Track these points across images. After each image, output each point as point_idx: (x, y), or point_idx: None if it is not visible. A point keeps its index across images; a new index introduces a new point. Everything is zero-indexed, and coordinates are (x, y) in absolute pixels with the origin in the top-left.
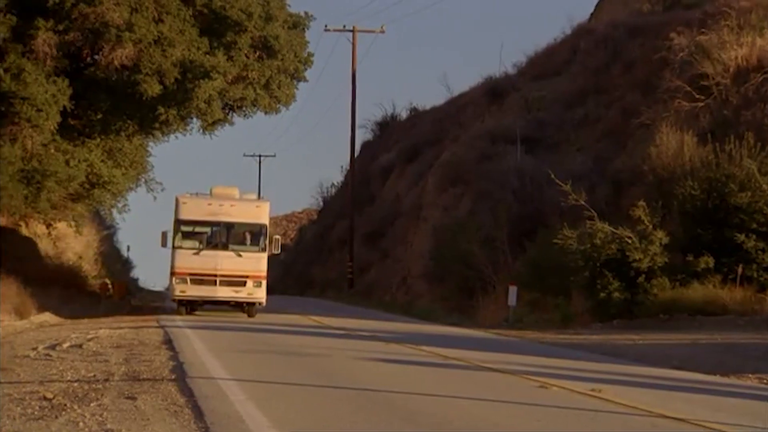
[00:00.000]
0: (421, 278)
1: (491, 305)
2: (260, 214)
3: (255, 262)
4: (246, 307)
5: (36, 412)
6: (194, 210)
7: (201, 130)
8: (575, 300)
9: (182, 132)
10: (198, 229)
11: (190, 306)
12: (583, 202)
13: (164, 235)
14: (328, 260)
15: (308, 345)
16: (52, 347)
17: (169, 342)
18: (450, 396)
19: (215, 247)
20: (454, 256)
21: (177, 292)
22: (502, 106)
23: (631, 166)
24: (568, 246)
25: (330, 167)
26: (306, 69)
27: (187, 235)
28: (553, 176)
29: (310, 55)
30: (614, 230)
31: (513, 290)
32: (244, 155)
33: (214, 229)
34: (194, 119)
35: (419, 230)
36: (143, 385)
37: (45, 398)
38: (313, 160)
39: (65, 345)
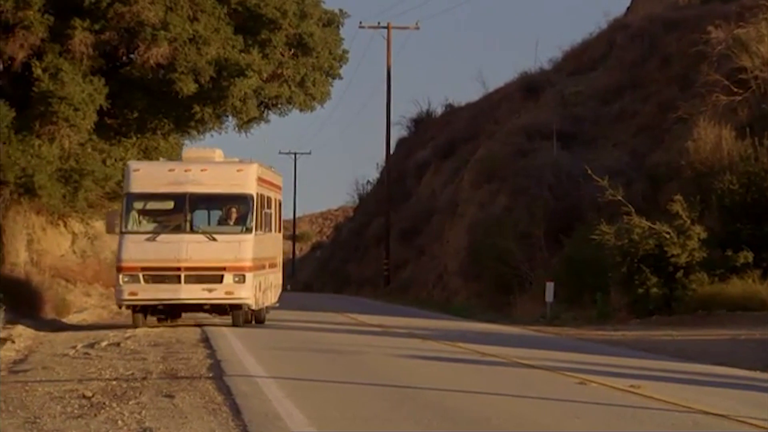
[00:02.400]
0: (458, 275)
1: (528, 302)
2: (243, 180)
3: (235, 248)
4: (230, 312)
5: (76, 411)
6: (150, 180)
7: (236, 128)
8: (613, 296)
9: (218, 130)
10: (156, 205)
11: (150, 314)
12: (620, 198)
13: (110, 216)
14: (365, 257)
15: (345, 342)
16: (91, 346)
17: (206, 340)
18: (488, 393)
19: (178, 229)
20: (490, 253)
21: (125, 296)
22: (537, 102)
23: (669, 160)
24: (606, 242)
25: (366, 164)
26: (341, 66)
27: (141, 215)
28: (589, 172)
29: (345, 52)
30: (652, 225)
31: (550, 286)
32: (280, 153)
33: (178, 204)
34: (230, 117)
35: (455, 227)
36: (181, 383)
37: (84, 396)
38: (349, 157)
39: (103, 343)
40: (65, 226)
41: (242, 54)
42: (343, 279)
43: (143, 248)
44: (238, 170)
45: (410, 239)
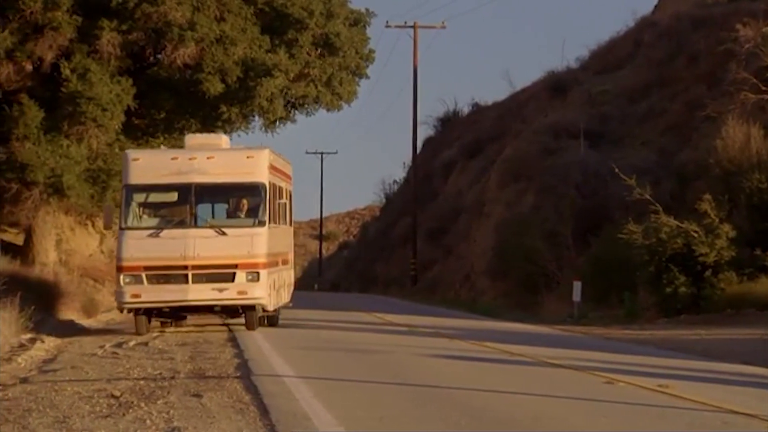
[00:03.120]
0: (485, 275)
1: (555, 301)
2: (254, 168)
3: (248, 243)
4: (243, 314)
5: (104, 410)
6: (151, 170)
7: (263, 128)
8: (641, 295)
9: (245, 130)
10: (158, 197)
11: (154, 317)
12: (647, 197)
13: (107, 210)
14: (391, 257)
15: (372, 342)
16: (119, 345)
17: (233, 340)
18: (515, 393)
19: (183, 223)
20: (517, 252)
21: (126, 298)
22: (564, 101)
23: (697, 159)
24: (633, 241)
25: (392, 164)
26: (367, 66)
27: (142, 209)
28: (617, 170)
29: (372, 51)
30: (680, 224)
31: (577, 286)
32: (306, 153)
33: (183, 195)
34: (256, 117)
35: (482, 226)
36: (209, 383)
37: (113, 396)
38: (376, 156)
39: (131, 343)
40: (93, 226)
41: (269, 54)
42: (370, 278)
43: (145, 245)
44: (248, 157)
45: (437, 239)
